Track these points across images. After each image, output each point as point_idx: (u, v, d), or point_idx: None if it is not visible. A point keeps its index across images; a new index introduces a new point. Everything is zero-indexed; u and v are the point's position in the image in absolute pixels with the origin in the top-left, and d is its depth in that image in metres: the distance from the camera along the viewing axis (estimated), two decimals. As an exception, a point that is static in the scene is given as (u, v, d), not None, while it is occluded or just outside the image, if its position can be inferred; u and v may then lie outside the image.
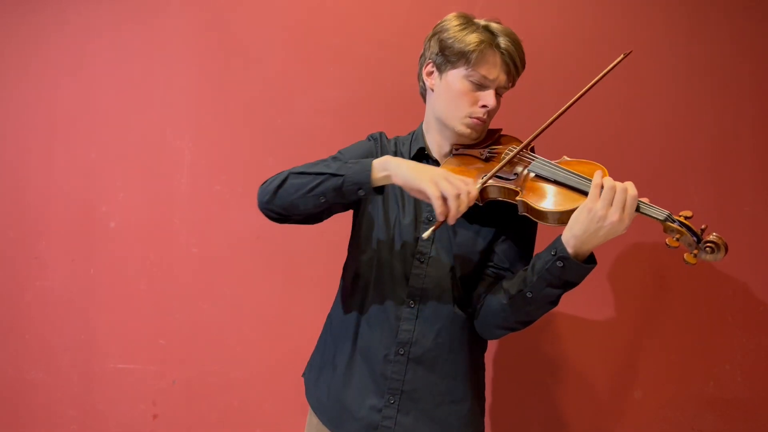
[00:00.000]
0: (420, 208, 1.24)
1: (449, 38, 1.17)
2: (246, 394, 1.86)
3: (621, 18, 1.75)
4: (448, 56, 1.18)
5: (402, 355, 1.19)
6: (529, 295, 1.08)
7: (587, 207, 1.01)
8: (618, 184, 1.00)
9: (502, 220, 1.21)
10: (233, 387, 1.87)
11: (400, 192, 1.26)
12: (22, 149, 1.95)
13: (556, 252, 1.04)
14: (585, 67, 1.75)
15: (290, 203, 1.16)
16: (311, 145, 1.82)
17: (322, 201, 1.13)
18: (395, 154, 1.30)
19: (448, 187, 1.03)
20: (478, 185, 1.10)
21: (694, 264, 0.99)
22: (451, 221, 1.04)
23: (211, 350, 1.88)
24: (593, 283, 1.74)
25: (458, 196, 1.03)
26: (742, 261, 1.70)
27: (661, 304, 1.72)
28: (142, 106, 1.90)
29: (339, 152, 1.31)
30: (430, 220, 1.22)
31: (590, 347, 1.75)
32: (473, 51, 1.14)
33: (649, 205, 1.02)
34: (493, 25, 1.19)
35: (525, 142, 1.18)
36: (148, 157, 1.90)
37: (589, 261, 1.05)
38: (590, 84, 1.21)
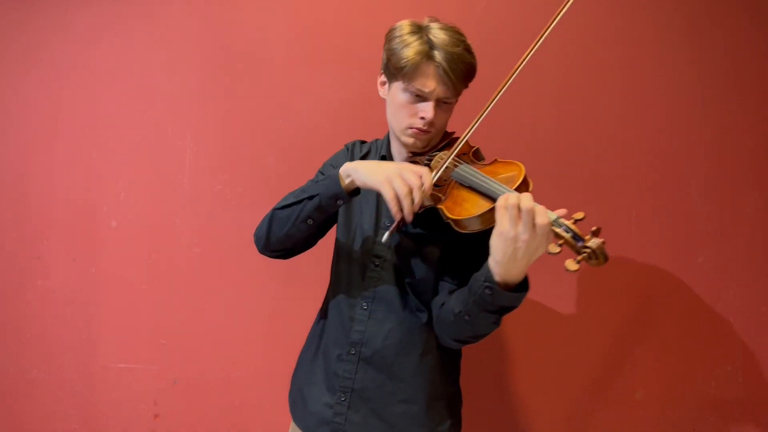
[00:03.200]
0: (380, 211, 1.27)
1: (390, 50, 1.17)
2: (247, 393, 1.86)
3: (622, 18, 1.74)
4: (390, 69, 1.19)
5: (353, 354, 1.23)
6: (467, 318, 1.06)
7: (497, 231, 0.96)
8: (522, 200, 0.93)
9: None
10: (234, 386, 1.87)
11: (358, 201, 1.29)
12: (24, 149, 1.95)
13: (485, 279, 1.00)
14: (586, 68, 1.75)
15: (285, 236, 1.23)
16: (312, 144, 1.82)
17: (311, 223, 1.20)
18: (365, 159, 1.34)
19: (400, 186, 1.05)
20: (434, 175, 1.10)
21: (576, 271, 0.92)
22: (408, 218, 1.06)
23: (212, 350, 1.88)
24: (594, 283, 1.74)
25: (410, 193, 1.05)
26: (743, 261, 1.70)
27: (662, 304, 1.72)
28: (143, 105, 1.91)
29: (324, 164, 1.38)
30: (388, 225, 1.24)
31: (591, 348, 1.74)
32: (407, 65, 1.13)
33: (562, 222, 0.96)
34: (437, 35, 1.14)
35: (453, 148, 1.15)
36: (149, 156, 1.90)
37: (522, 287, 1.01)
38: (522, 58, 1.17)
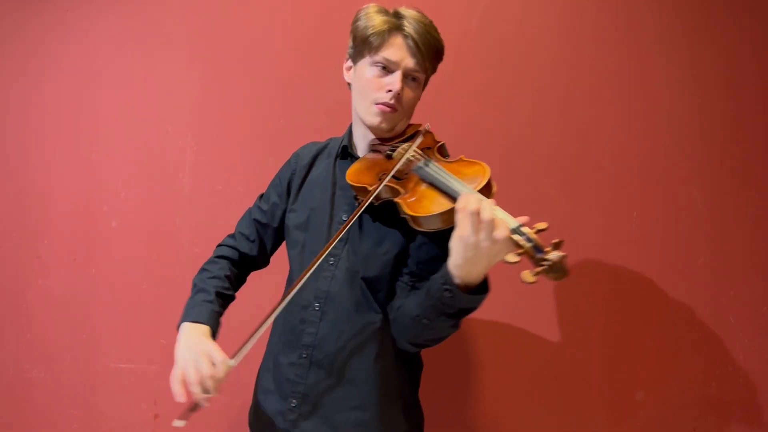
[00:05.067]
0: (334, 208, 1.23)
1: (356, 29, 1.16)
2: (247, 393, 1.86)
3: (623, 19, 1.74)
4: (356, 46, 1.17)
5: (305, 358, 1.18)
6: (425, 321, 1.03)
7: (457, 235, 0.91)
8: (483, 210, 0.88)
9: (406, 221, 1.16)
10: (234, 387, 1.87)
11: (308, 199, 1.27)
12: (24, 149, 1.95)
13: (444, 281, 0.96)
14: (587, 68, 1.75)
15: None
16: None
17: None
18: (319, 155, 1.33)
19: (191, 373, 1.06)
20: (240, 356, 1.10)
21: (533, 283, 0.87)
22: (202, 403, 1.07)
23: (213, 350, 1.88)
24: (594, 283, 1.74)
25: (199, 382, 1.06)
26: (744, 262, 1.70)
27: (663, 304, 1.72)
28: (143, 105, 1.90)
29: (276, 175, 1.38)
30: (344, 220, 1.20)
31: (591, 348, 1.74)
32: (374, 34, 1.12)
33: (523, 231, 0.91)
34: (404, 11, 1.15)
35: (415, 143, 1.13)
36: (149, 156, 1.90)
37: (481, 289, 0.98)
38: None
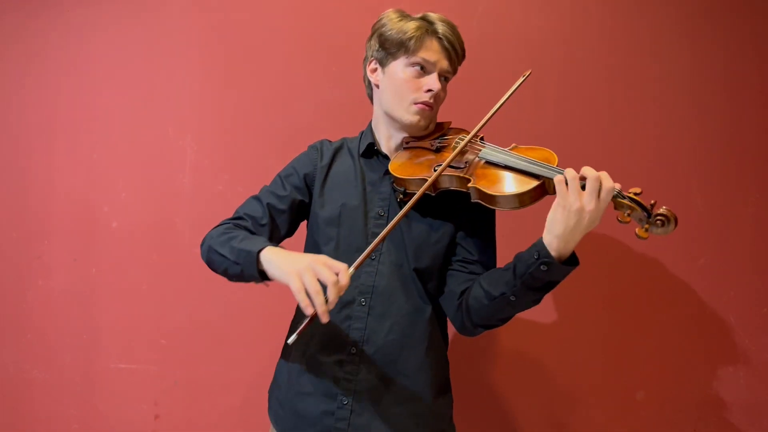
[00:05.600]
0: (368, 204, 1.23)
1: (387, 31, 1.20)
2: (247, 394, 1.86)
3: (623, 19, 1.75)
4: (388, 49, 1.20)
5: (354, 354, 1.18)
6: (512, 298, 1.07)
7: (560, 205, 0.99)
8: (586, 171, 0.99)
9: (457, 211, 1.21)
10: (235, 387, 1.87)
11: (335, 194, 1.26)
12: (24, 149, 1.95)
13: (539, 255, 1.02)
14: (587, 68, 1.76)
15: (223, 274, 1.21)
16: (313, 145, 1.82)
17: (240, 280, 1.16)
18: (338, 153, 1.32)
19: (310, 282, 0.97)
20: (351, 270, 1.01)
21: (646, 238, 0.99)
22: (323, 318, 0.97)
23: (213, 350, 1.88)
24: (595, 283, 1.74)
25: (319, 292, 0.96)
26: (745, 262, 1.70)
27: (664, 305, 1.72)
28: (144, 105, 1.91)
29: (279, 174, 1.34)
30: (381, 215, 1.22)
31: (592, 348, 1.74)
32: (411, 38, 1.17)
33: (625, 194, 1.01)
34: (431, 15, 1.21)
35: (474, 130, 1.18)
36: (150, 156, 1.90)
37: (571, 260, 1.04)
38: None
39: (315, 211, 1.28)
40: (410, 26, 1.17)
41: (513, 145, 1.18)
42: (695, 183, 1.72)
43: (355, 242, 1.21)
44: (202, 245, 1.29)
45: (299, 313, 1.33)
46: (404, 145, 1.25)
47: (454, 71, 1.24)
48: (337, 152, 1.33)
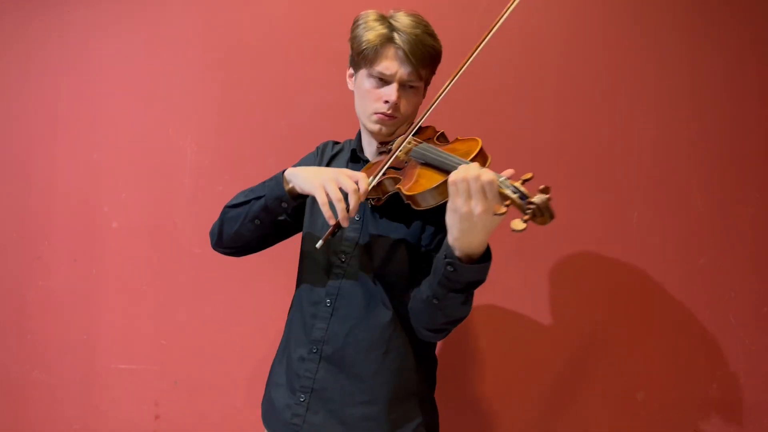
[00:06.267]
0: None
1: (354, 39, 1.20)
2: (248, 394, 1.86)
3: (623, 19, 1.75)
4: (354, 58, 1.21)
5: (315, 353, 1.20)
6: (435, 301, 1.04)
7: (450, 207, 0.95)
8: (469, 173, 0.91)
9: (419, 213, 1.16)
10: (235, 387, 1.87)
11: None
12: (25, 149, 1.95)
13: (445, 255, 0.99)
14: (587, 68, 1.76)
15: (235, 234, 1.25)
16: (313, 145, 1.81)
17: (258, 223, 1.21)
18: (336, 157, 1.35)
19: (333, 190, 1.04)
20: (371, 181, 1.09)
21: (521, 230, 0.85)
22: (343, 223, 1.04)
23: (213, 351, 1.88)
24: (595, 284, 1.74)
25: (342, 199, 1.03)
26: (745, 262, 1.70)
27: (664, 305, 1.72)
28: (144, 106, 1.91)
29: (297, 165, 1.36)
30: (357, 220, 1.23)
31: (592, 349, 1.74)
32: (368, 49, 1.15)
33: (509, 183, 0.92)
34: (399, 19, 1.16)
35: (409, 130, 1.15)
36: (150, 157, 1.90)
37: (484, 258, 1.00)
38: (484, 37, 1.16)
39: (306, 213, 1.32)
40: (370, 36, 1.15)
41: (455, 138, 1.16)
42: (695, 183, 1.72)
43: (332, 246, 1.23)
44: (213, 228, 1.32)
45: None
46: (377, 152, 1.26)
47: (420, 78, 1.18)
48: (334, 158, 1.35)
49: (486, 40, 1.14)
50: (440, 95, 1.12)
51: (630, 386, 1.73)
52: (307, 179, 1.10)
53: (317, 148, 1.41)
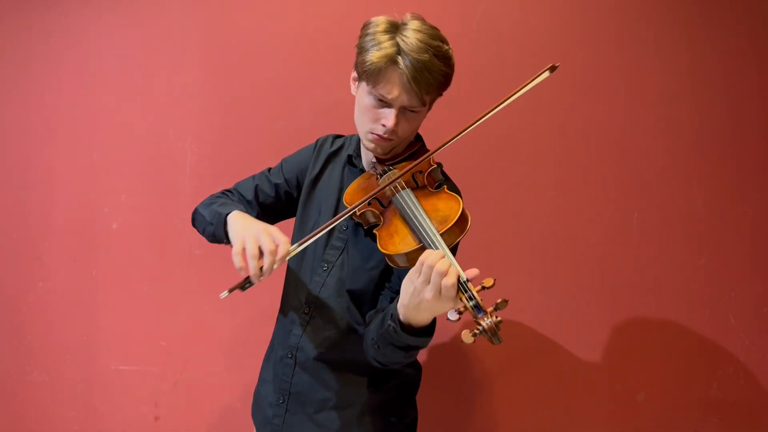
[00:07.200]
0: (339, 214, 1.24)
1: (360, 49, 1.13)
2: (248, 395, 1.86)
3: (622, 19, 1.75)
4: (358, 68, 1.14)
5: (290, 358, 1.23)
6: (377, 347, 1.05)
7: (409, 278, 0.94)
8: (438, 265, 0.88)
9: None
10: (235, 388, 1.87)
11: (319, 200, 1.28)
12: (25, 150, 1.95)
13: (391, 316, 0.99)
14: (586, 69, 1.76)
15: (204, 235, 1.30)
16: (313, 146, 1.82)
17: (213, 240, 1.26)
18: (335, 155, 1.33)
19: (251, 247, 1.02)
20: (293, 249, 1.05)
21: (471, 344, 0.86)
22: (254, 280, 1.02)
23: (213, 352, 1.88)
24: (594, 284, 1.73)
25: (255, 257, 1.01)
26: (745, 262, 1.70)
27: (664, 306, 1.72)
28: (144, 107, 1.91)
29: (283, 160, 1.39)
30: (344, 230, 1.22)
31: (592, 350, 1.74)
32: (371, 68, 1.08)
33: (468, 288, 0.89)
34: (409, 39, 1.06)
35: (398, 175, 1.10)
36: (150, 158, 1.90)
37: (427, 331, 0.99)
38: (500, 103, 1.14)
39: (297, 213, 1.32)
40: (374, 56, 1.07)
41: (442, 189, 1.11)
42: (695, 183, 1.72)
43: (319, 252, 1.23)
44: (192, 215, 1.37)
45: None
46: (370, 164, 1.24)
47: (423, 104, 1.12)
48: (331, 158, 1.33)
49: (506, 102, 1.15)
50: (450, 141, 1.09)
51: (630, 387, 1.73)
52: (235, 231, 1.11)
53: (317, 141, 1.38)
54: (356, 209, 1.09)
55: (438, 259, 0.90)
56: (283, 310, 1.30)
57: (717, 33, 1.72)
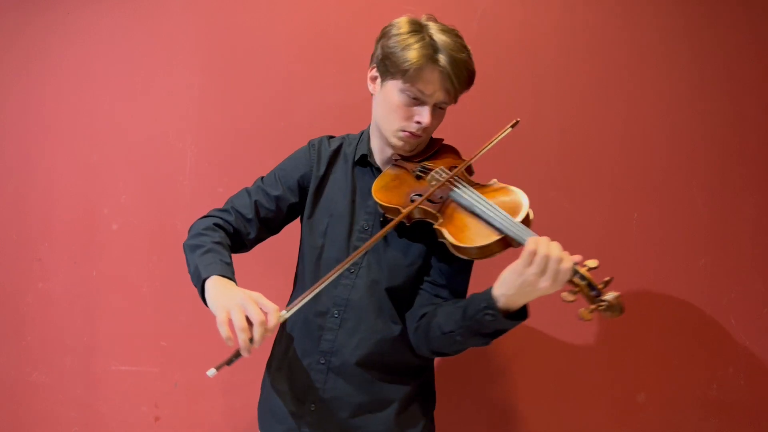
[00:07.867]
0: (354, 217, 1.23)
1: (391, 48, 1.12)
2: (248, 395, 1.86)
3: (623, 20, 1.74)
4: (388, 66, 1.13)
5: (323, 364, 1.20)
6: (458, 338, 1.07)
7: (517, 271, 0.95)
8: (552, 253, 0.93)
9: (433, 235, 1.13)
10: (235, 389, 1.87)
11: (328, 203, 1.26)
12: (25, 151, 1.95)
13: (487, 304, 1.00)
14: (587, 70, 1.75)
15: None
16: (313, 147, 1.82)
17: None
18: (336, 156, 1.30)
19: (238, 319, 0.96)
20: (284, 315, 1.00)
21: (589, 320, 0.94)
22: (244, 353, 0.96)
23: (213, 352, 1.87)
24: (595, 285, 1.73)
25: (244, 329, 0.95)
26: (745, 263, 1.70)
27: (664, 306, 1.72)
28: (144, 107, 1.91)
29: (276, 168, 1.34)
30: (365, 229, 1.21)
31: (593, 350, 1.74)
32: (410, 67, 1.09)
33: (578, 270, 0.95)
34: (440, 38, 1.11)
35: (452, 173, 1.13)
36: (150, 159, 1.90)
37: (521, 314, 1.02)
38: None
39: (305, 218, 1.29)
40: (412, 54, 1.08)
41: (493, 181, 1.14)
42: (695, 183, 1.72)
43: (336, 254, 1.21)
44: (189, 231, 1.28)
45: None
46: (393, 161, 1.24)
47: (454, 100, 1.16)
48: (334, 157, 1.31)
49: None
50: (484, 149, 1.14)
51: (630, 388, 1.73)
52: (217, 301, 1.04)
53: (310, 143, 1.35)
54: (416, 207, 1.09)
55: (549, 248, 0.93)
56: (303, 317, 1.23)
57: (718, 33, 1.72)
